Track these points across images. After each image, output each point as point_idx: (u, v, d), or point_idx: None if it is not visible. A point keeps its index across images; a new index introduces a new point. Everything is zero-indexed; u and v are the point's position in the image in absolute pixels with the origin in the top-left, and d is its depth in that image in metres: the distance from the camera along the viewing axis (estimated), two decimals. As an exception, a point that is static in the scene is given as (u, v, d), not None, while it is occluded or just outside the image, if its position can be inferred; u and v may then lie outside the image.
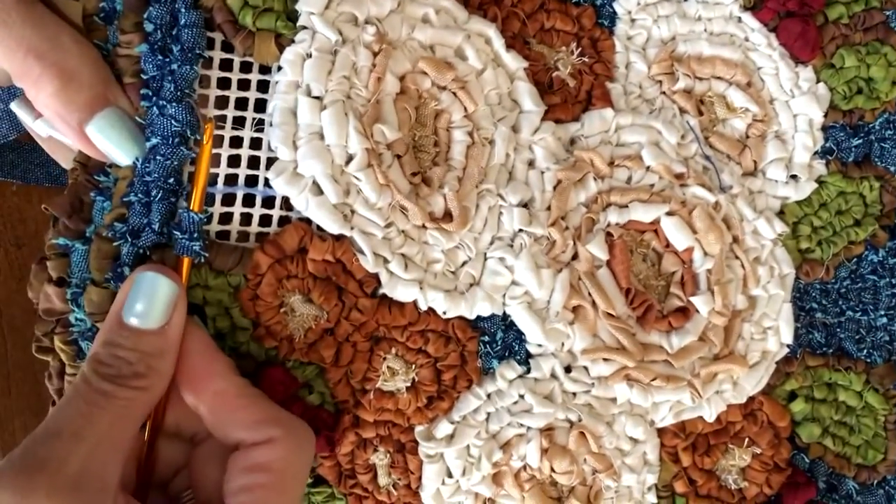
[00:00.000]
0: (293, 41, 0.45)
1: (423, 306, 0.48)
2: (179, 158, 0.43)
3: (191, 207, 0.43)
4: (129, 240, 0.43)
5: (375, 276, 0.47)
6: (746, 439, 0.56)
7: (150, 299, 0.40)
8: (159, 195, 0.42)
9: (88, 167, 0.45)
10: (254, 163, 0.46)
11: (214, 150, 0.45)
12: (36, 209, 0.62)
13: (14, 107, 0.45)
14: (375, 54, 0.46)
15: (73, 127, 0.43)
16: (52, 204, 0.45)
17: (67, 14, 0.43)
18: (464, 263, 0.49)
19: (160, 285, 0.40)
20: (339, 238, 0.46)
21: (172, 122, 0.42)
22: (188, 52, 0.42)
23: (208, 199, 0.45)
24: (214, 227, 0.45)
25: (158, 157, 0.43)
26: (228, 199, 0.46)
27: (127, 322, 0.40)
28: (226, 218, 0.46)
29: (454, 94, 0.49)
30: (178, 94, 0.42)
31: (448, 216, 0.47)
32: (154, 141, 0.43)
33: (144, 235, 0.43)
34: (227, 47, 0.45)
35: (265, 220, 0.46)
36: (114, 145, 0.43)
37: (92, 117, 0.42)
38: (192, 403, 0.42)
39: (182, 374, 0.42)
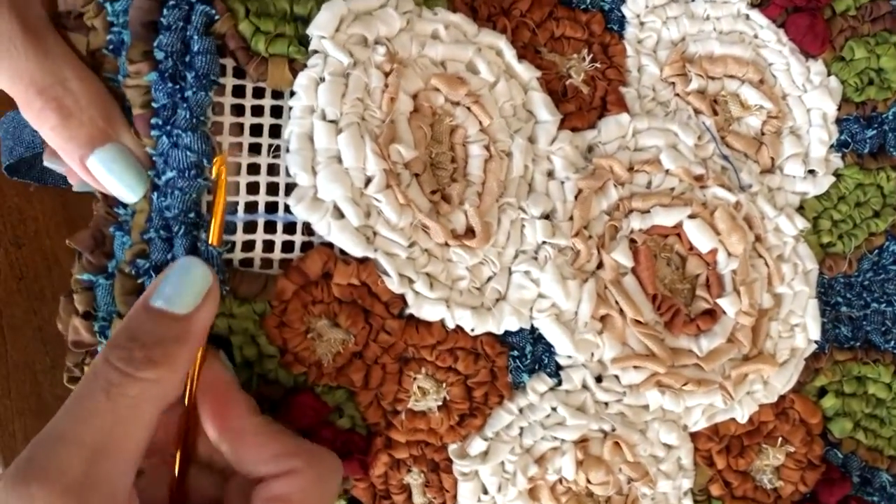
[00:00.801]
0: (305, 66, 0.44)
1: (450, 324, 0.47)
2: (197, 190, 0.43)
3: (210, 242, 0.42)
4: (153, 276, 0.42)
5: (401, 297, 0.46)
6: (780, 438, 0.56)
7: (181, 283, 0.39)
8: (181, 230, 0.42)
9: (108, 199, 0.44)
10: (273, 189, 0.45)
11: (232, 179, 0.44)
12: (36, 209, 0.62)
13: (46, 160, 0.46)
14: (387, 74, 0.45)
15: (76, 161, 0.42)
16: (74, 239, 0.45)
17: (75, 45, 0.43)
18: (489, 279, 0.48)
19: (194, 271, 0.39)
20: (363, 261, 0.45)
21: (188, 152, 0.42)
22: (202, 79, 0.42)
23: (229, 228, 0.44)
24: (238, 255, 0.45)
25: (176, 192, 0.42)
26: (250, 227, 0.45)
27: (153, 304, 0.38)
28: (248, 245, 0.45)
29: (468, 108, 0.48)
30: (194, 121, 0.42)
31: (470, 232, 0.47)
32: (170, 174, 0.42)
33: None
34: (239, 73, 0.44)
35: (288, 246, 0.46)
36: (116, 181, 0.42)
37: (92, 152, 0.42)
38: (214, 440, 0.42)
39: (203, 409, 0.41)
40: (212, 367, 0.42)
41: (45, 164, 0.46)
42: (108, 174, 0.42)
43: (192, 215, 0.42)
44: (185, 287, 0.39)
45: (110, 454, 0.36)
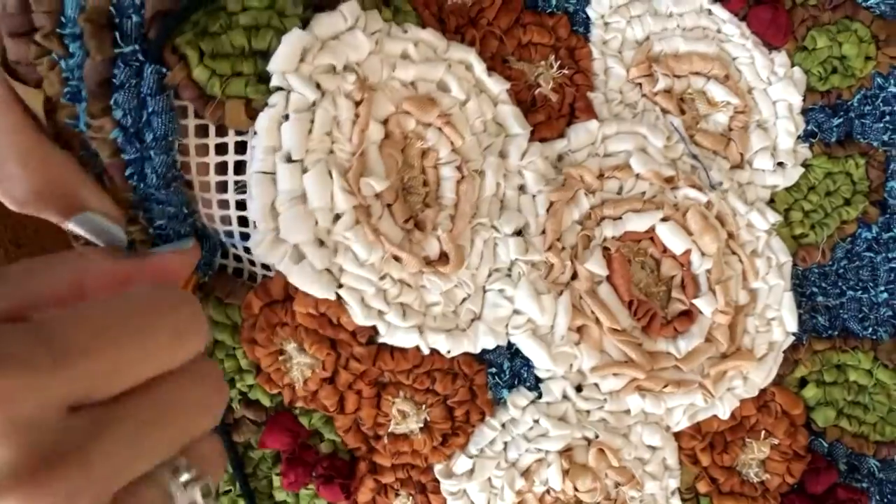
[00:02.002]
0: (266, 104, 0.43)
1: (425, 350, 0.47)
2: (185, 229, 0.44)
3: None
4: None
5: (372, 326, 0.46)
6: (763, 432, 0.56)
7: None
8: None
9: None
10: (244, 220, 0.45)
11: (207, 211, 0.44)
12: None
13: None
14: (357, 103, 0.44)
15: (57, 217, 0.42)
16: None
17: (28, 102, 0.41)
18: (463, 300, 0.48)
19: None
20: (324, 295, 0.45)
21: (167, 207, 0.42)
22: (162, 140, 0.41)
23: (214, 248, 0.46)
24: (231, 265, 0.47)
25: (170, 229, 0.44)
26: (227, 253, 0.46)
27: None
28: (237, 259, 0.47)
29: (440, 129, 0.47)
30: (162, 182, 0.42)
31: (444, 257, 0.47)
32: (160, 222, 0.44)
33: None
34: (200, 113, 0.43)
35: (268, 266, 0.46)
36: (98, 240, 0.42)
37: (69, 219, 0.41)
38: None
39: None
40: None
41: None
42: (89, 236, 0.42)
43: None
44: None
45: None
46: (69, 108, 0.42)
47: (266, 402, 0.48)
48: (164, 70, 0.41)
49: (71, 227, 0.42)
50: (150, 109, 0.41)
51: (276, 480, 0.49)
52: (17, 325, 0.26)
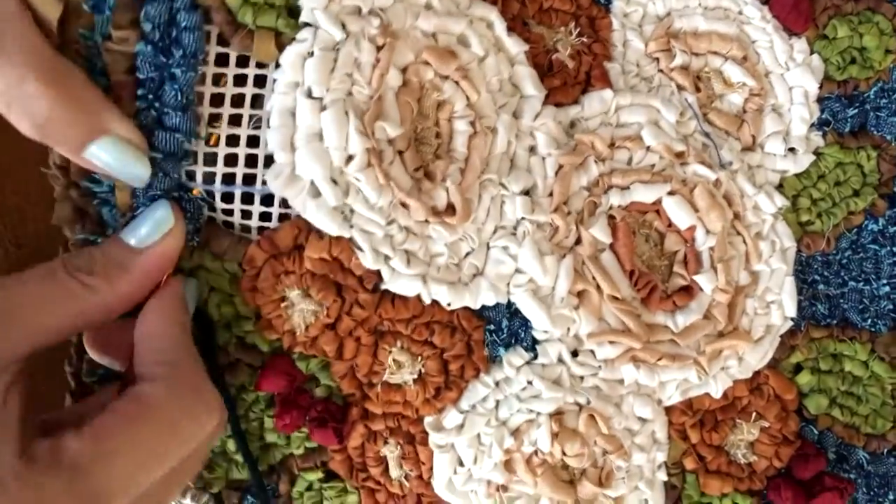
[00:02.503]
0: (294, 39, 0.43)
1: (426, 299, 0.47)
2: (181, 171, 0.43)
3: None
4: None
5: (376, 272, 0.46)
6: (754, 414, 0.56)
7: (145, 218, 0.41)
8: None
9: (72, 173, 0.43)
10: (251, 160, 0.45)
11: (210, 150, 0.44)
12: (36, 209, 0.62)
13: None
14: (379, 48, 0.45)
15: (71, 151, 0.40)
16: (57, 218, 0.44)
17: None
18: (467, 254, 0.48)
19: (160, 213, 0.42)
20: (338, 237, 0.45)
21: (175, 135, 0.42)
22: (190, 58, 0.41)
23: (208, 196, 0.45)
24: (220, 218, 0.46)
25: (160, 174, 0.42)
26: (227, 197, 0.45)
27: (118, 234, 0.42)
28: (228, 213, 0.46)
29: (456, 83, 0.48)
30: (183, 101, 0.41)
31: (451, 209, 0.47)
32: (155, 156, 0.42)
33: None
34: (223, 41, 0.44)
35: (266, 216, 0.46)
36: (119, 171, 0.41)
37: (87, 148, 0.39)
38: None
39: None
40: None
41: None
42: (108, 167, 0.40)
43: (175, 194, 0.43)
44: (143, 220, 0.42)
45: (15, 317, 0.37)
46: (87, 17, 0.41)
47: (264, 346, 0.48)
48: None
49: (90, 154, 0.40)
50: (182, 25, 0.41)
51: (269, 422, 0.50)
52: (53, 470, 0.35)
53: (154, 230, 0.41)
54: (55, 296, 0.39)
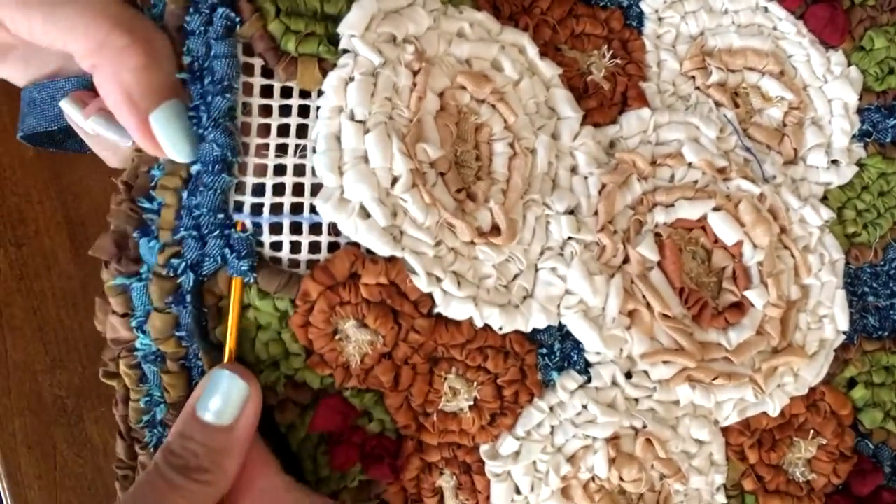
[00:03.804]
0: (335, 65, 0.44)
1: (478, 323, 0.47)
2: (223, 186, 0.43)
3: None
4: (190, 274, 0.44)
5: (430, 296, 0.46)
6: (811, 431, 0.55)
7: (223, 397, 0.42)
8: (214, 230, 0.43)
9: (133, 190, 0.45)
10: (298, 189, 0.45)
11: (258, 180, 0.44)
12: (36, 209, 0.62)
13: (65, 104, 0.45)
14: (415, 73, 0.45)
15: (139, 112, 0.41)
16: (97, 249, 0.45)
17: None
18: (516, 276, 0.48)
19: (234, 385, 0.42)
20: (391, 260, 0.45)
21: (214, 146, 0.42)
22: (219, 84, 0.42)
23: (256, 229, 0.44)
24: (266, 254, 0.45)
25: (202, 188, 0.43)
26: (276, 228, 0.45)
27: (200, 416, 0.42)
28: (275, 247, 0.45)
29: (493, 106, 0.48)
30: (213, 123, 0.42)
31: (496, 230, 0.47)
32: (197, 167, 0.43)
33: (206, 265, 0.44)
34: (267, 73, 0.45)
35: (314, 247, 0.46)
36: (173, 138, 0.42)
37: (159, 105, 0.41)
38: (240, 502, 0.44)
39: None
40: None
41: (63, 105, 0.45)
42: (166, 132, 0.42)
43: (220, 216, 0.43)
44: (227, 401, 0.42)
45: None
46: None
47: (315, 383, 0.47)
48: (233, 16, 0.42)
49: (156, 117, 0.41)
50: (213, 53, 0.42)
51: (321, 459, 0.49)
52: None
53: (239, 405, 0.42)
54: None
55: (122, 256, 0.45)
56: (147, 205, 0.44)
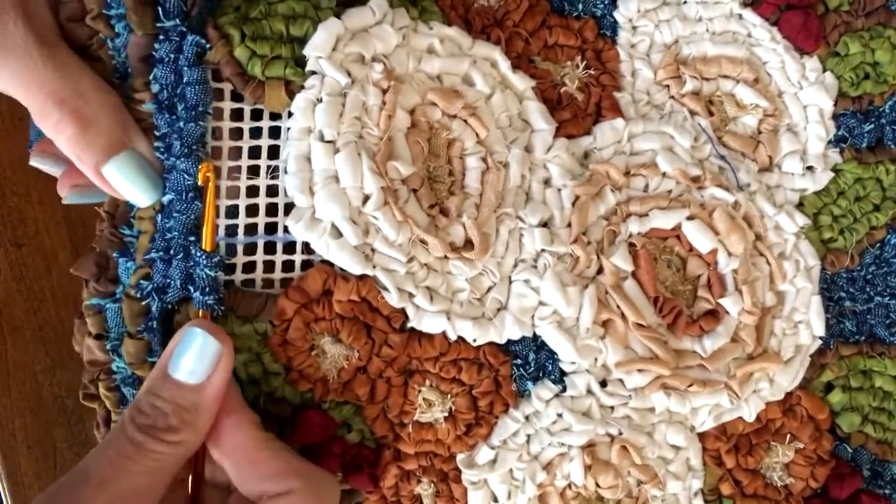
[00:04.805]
0: (303, 87, 0.45)
1: (452, 336, 0.48)
2: (195, 213, 0.44)
3: (202, 247, 0.44)
4: (156, 297, 0.44)
5: (402, 311, 0.47)
6: (788, 435, 0.56)
7: (194, 355, 0.41)
8: (179, 253, 0.43)
9: (115, 218, 0.46)
10: (272, 210, 0.46)
11: (231, 202, 0.45)
12: (36, 209, 0.63)
13: (34, 161, 0.46)
14: (384, 91, 0.46)
15: (91, 169, 0.43)
16: (79, 268, 0.46)
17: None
18: (489, 289, 0.49)
19: (205, 343, 0.41)
20: (362, 277, 0.46)
21: (185, 175, 0.43)
22: (192, 111, 0.43)
23: (230, 250, 0.45)
24: (239, 276, 0.46)
25: (175, 214, 0.44)
26: (250, 249, 0.46)
27: (170, 374, 0.41)
28: (249, 267, 0.46)
29: (465, 121, 0.49)
30: (186, 150, 0.43)
31: (469, 244, 0.47)
32: (169, 196, 0.44)
33: (171, 292, 0.44)
34: (237, 97, 0.45)
35: (288, 266, 0.46)
36: (131, 187, 0.43)
37: (109, 160, 0.42)
38: (217, 457, 0.43)
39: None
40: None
41: (33, 163, 0.47)
42: (123, 181, 0.43)
43: (192, 238, 0.44)
44: (198, 359, 0.41)
45: (131, 500, 0.39)
46: (118, 89, 0.44)
47: (295, 399, 0.48)
48: (203, 42, 0.43)
49: (112, 164, 0.42)
50: (185, 80, 0.43)
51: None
52: None
53: (210, 363, 0.42)
54: (157, 468, 0.40)
55: (101, 276, 0.46)
56: (128, 232, 0.45)
